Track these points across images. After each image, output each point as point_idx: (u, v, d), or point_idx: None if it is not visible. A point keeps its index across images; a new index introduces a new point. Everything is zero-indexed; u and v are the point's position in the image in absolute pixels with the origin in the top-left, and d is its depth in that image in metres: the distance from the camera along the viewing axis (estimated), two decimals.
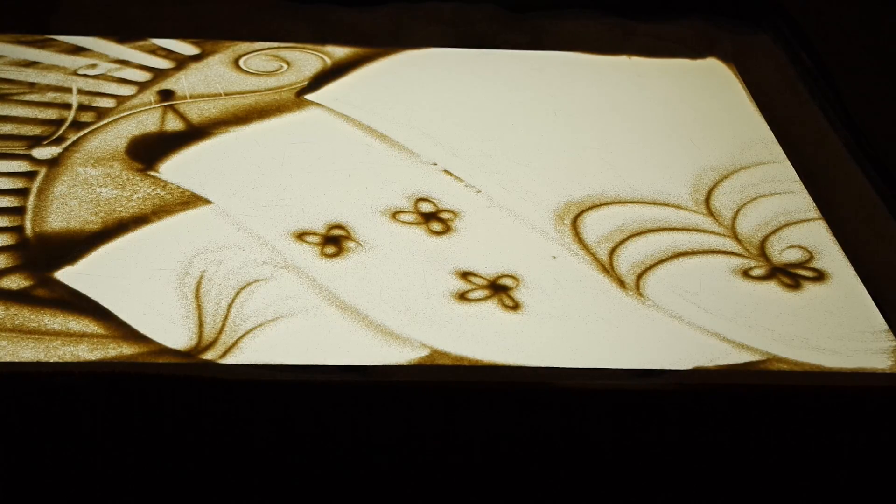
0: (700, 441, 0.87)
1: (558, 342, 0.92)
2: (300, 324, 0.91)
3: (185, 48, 1.20)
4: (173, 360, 0.87)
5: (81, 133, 1.07)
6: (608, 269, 0.99)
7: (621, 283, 0.98)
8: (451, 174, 1.08)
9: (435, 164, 1.09)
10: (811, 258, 1.03)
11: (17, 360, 0.85)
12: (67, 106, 1.11)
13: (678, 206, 1.07)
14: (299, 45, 1.24)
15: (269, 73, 1.19)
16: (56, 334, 0.88)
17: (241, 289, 0.93)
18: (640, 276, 0.99)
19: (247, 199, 1.02)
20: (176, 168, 1.05)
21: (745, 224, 1.06)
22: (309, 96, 1.16)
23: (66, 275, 0.92)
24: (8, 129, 1.07)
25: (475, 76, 1.23)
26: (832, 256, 1.04)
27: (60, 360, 0.86)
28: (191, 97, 1.14)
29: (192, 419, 0.83)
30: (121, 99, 1.13)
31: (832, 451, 0.88)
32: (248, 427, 0.84)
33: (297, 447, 0.84)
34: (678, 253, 1.02)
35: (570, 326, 0.93)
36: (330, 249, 0.98)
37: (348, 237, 1.00)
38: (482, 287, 0.96)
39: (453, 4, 1.29)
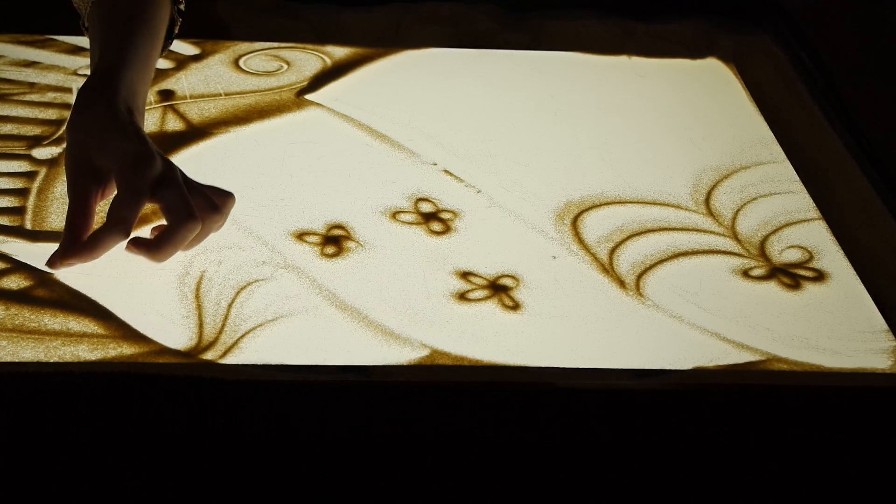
0: (700, 441, 0.87)
1: (558, 342, 0.92)
2: (300, 324, 0.91)
3: (185, 48, 1.20)
4: (173, 360, 0.87)
5: None
6: (608, 269, 0.99)
7: (621, 283, 0.98)
8: (451, 174, 1.08)
9: (435, 164, 1.09)
10: (811, 258, 1.03)
11: (17, 360, 0.85)
12: (67, 106, 1.11)
13: (678, 206, 1.07)
14: (299, 45, 1.24)
15: (269, 73, 1.19)
16: (56, 334, 0.88)
17: (241, 289, 0.93)
18: (640, 276, 0.99)
19: (247, 199, 1.02)
20: None
21: (745, 224, 1.06)
22: (309, 96, 1.16)
23: (66, 275, 0.92)
24: (8, 129, 1.07)
25: (475, 76, 1.23)
26: (832, 256, 1.04)
27: (60, 360, 0.86)
28: (191, 97, 1.14)
29: (192, 419, 0.83)
30: None
31: (832, 452, 0.88)
32: (249, 427, 0.84)
33: (297, 447, 0.84)
34: (678, 253, 1.02)
35: (570, 326, 0.93)
36: (330, 249, 0.98)
37: (348, 237, 1.00)
38: (482, 287, 0.96)
39: (453, 4, 1.29)
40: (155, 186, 0.91)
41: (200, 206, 0.92)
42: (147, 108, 1.12)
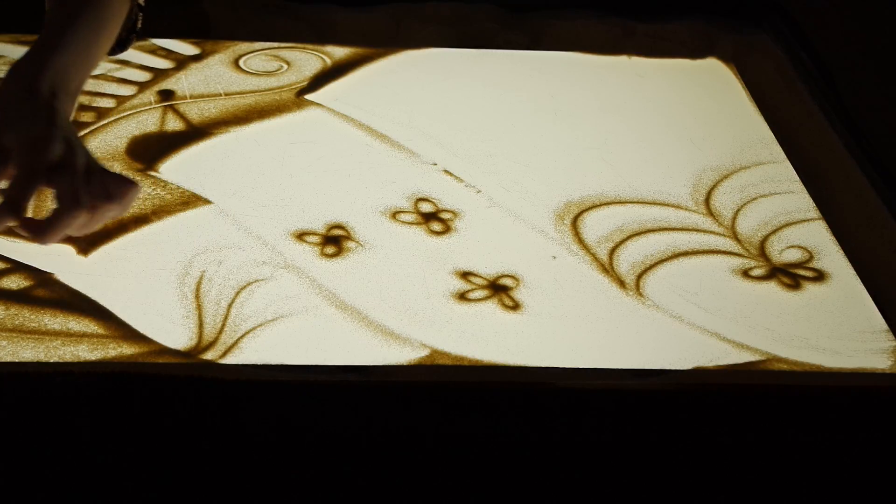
0: (700, 441, 0.87)
1: (558, 342, 0.92)
2: (300, 324, 0.91)
3: (185, 48, 1.20)
4: (173, 360, 0.87)
5: (81, 133, 1.07)
6: (608, 269, 0.99)
7: (621, 283, 0.98)
8: (451, 174, 1.08)
9: (435, 164, 1.09)
10: (811, 258, 1.03)
11: (17, 360, 0.85)
12: None
13: (678, 206, 1.07)
14: (299, 45, 1.24)
15: (269, 73, 1.19)
16: (56, 334, 0.88)
17: (241, 289, 0.93)
18: (640, 276, 0.99)
19: (247, 199, 1.02)
20: (176, 168, 1.05)
21: (745, 224, 1.06)
22: (309, 96, 1.16)
23: (66, 275, 0.92)
24: None
25: (475, 76, 1.23)
26: (832, 256, 1.04)
27: (60, 360, 0.86)
28: (191, 97, 1.14)
29: (192, 419, 0.83)
30: (121, 99, 1.13)
31: (832, 451, 0.88)
32: (249, 427, 0.84)
33: (297, 447, 0.84)
34: (678, 253, 1.02)
35: (570, 326, 0.93)
36: (330, 249, 0.98)
37: (348, 237, 1.00)
38: (482, 287, 0.96)
39: (453, 4, 1.29)
40: (50, 171, 0.90)
41: (94, 194, 0.91)
42: (147, 108, 1.12)
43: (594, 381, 0.89)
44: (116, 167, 1.04)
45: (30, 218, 0.90)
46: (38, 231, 0.90)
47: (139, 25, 1.05)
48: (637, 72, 1.26)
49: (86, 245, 0.95)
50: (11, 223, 0.89)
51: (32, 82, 0.93)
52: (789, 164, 1.14)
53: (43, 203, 0.99)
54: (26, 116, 0.91)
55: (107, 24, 1.00)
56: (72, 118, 0.95)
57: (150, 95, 1.13)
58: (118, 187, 0.93)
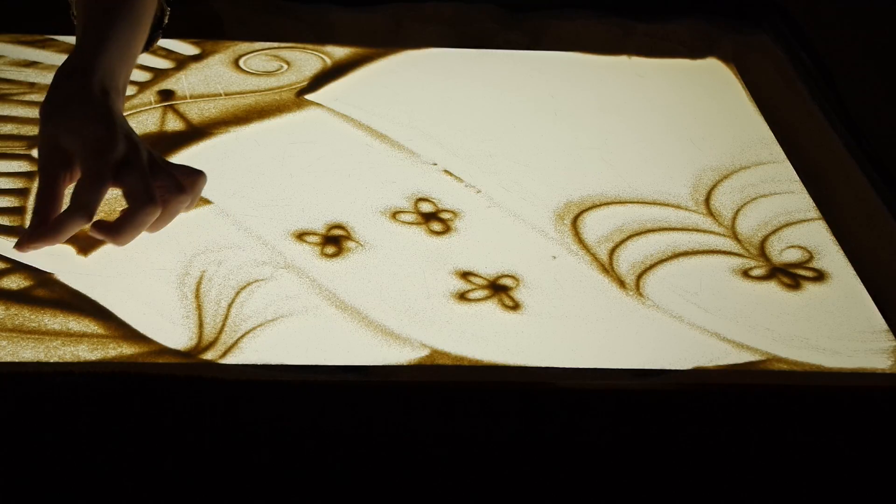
0: (700, 441, 0.87)
1: (558, 342, 0.92)
2: (300, 324, 0.91)
3: (185, 48, 1.20)
4: (173, 360, 0.87)
5: None
6: (608, 269, 0.99)
7: (621, 283, 0.98)
8: (451, 174, 1.08)
9: (435, 164, 1.09)
10: (811, 258, 1.03)
11: (17, 360, 0.85)
12: None
13: (678, 206, 1.07)
14: (299, 45, 1.24)
15: (269, 73, 1.19)
16: (56, 334, 0.88)
17: (241, 289, 0.93)
18: (640, 276, 0.99)
19: (247, 199, 1.02)
20: None
21: (745, 224, 1.06)
22: (309, 96, 1.16)
23: (66, 275, 0.92)
24: (8, 129, 1.07)
25: (475, 76, 1.23)
26: (832, 256, 1.04)
27: (60, 360, 0.86)
28: (191, 97, 1.14)
29: (192, 419, 0.83)
30: None
31: (832, 452, 0.88)
32: (249, 427, 0.84)
33: (296, 447, 0.84)
34: (678, 253, 1.02)
35: (570, 326, 0.93)
36: (330, 249, 0.98)
37: (348, 237, 1.00)
38: (482, 287, 0.96)
39: (453, 4, 1.29)
40: (117, 170, 0.91)
41: (165, 188, 0.92)
42: (147, 108, 1.12)
43: (594, 381, 0.89)
44: None
45: (101, 220, 0.91)
46: (112, 232, 0.91)
47: (166, 21, 1.06)
48: (637, 72, 1.26)
49: (86, 245, 0.95)
50: (84, 226, 0.90)
51: (84, 85, 0.93)
52: (789, 164, 1.14)
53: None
54: (85, 119, 0.92)
55: (141, 20, 1.01)
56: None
57: (150, 95, 1.13)
58: (186, 178, 0.94)
